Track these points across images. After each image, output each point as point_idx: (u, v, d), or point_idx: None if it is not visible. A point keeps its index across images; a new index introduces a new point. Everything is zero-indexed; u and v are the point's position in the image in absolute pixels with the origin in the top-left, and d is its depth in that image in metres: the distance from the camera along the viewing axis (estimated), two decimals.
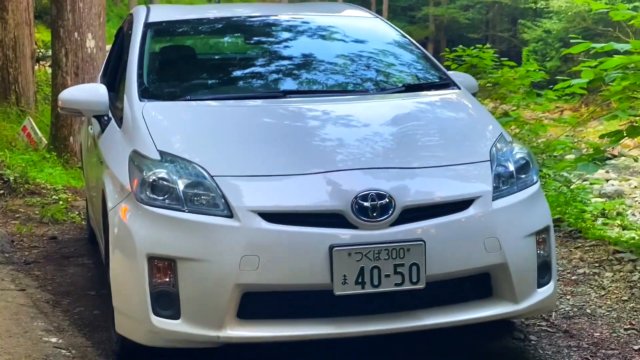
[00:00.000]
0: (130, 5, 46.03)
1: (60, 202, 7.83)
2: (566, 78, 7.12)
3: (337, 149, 3.92)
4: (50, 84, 19.81)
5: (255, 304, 3.53)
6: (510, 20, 47.25)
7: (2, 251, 6.11)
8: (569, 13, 33.94)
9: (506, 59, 10.32)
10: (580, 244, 5.96)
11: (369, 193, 3.55)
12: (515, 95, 9.92)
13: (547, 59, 33.50)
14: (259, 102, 4.46)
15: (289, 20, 5.43)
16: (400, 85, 4.80)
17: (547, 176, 8.61)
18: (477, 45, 10.51)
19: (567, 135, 11.95)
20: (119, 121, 4.37)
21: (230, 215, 3.52)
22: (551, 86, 8.96)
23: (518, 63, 10.43)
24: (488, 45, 11.17)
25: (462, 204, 3.70)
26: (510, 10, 46.67)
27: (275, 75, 4.93)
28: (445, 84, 4.76)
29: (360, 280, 3.48)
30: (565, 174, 8.99)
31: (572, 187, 8.80)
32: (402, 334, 3.72)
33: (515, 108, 10.15)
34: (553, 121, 12.06)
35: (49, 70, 20.91)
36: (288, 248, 3.48)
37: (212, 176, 3.63)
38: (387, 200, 3.55)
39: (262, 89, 4.77)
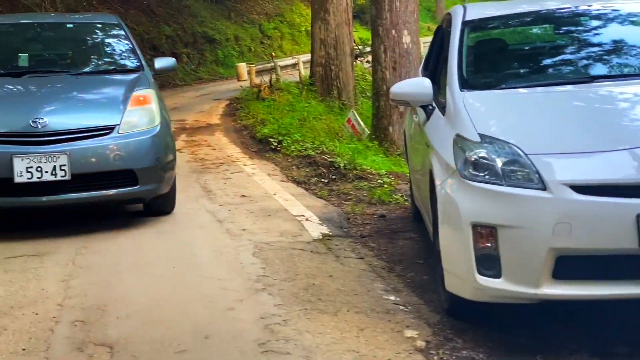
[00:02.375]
0: None
1: (385, 186, 8.66)
2: None
3: None
4: (365, 78, 21.21)
5: (568, 265, 3.98)
6: None
7: (341, 227, 7.05)
8: None
9: None
10: None
11: None
12: None
13: None
14: (568, 87, 4.91)
15: (599, 10, 5.76)
16: None
17: None
18: None
19: None
20: (442, 109, 5.02)
21: (544, 188, 4.02)
22: None
23: None
24: None
25: None
26: None
27: (584, 62, 5.34)
28: None
29: None
30: None
31: None
32: None
33: None
34: None
35: (365, 66, 22.33)
36: (597, 216, 3.91)
37: (526, 154, 4.15)
38: None
39: (571, 74, 5.21)
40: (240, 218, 7.33)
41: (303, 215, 7.39)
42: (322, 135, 12.40)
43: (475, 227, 4.13)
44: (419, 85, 5.42)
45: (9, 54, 8.25)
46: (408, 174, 7.81)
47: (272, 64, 24.52)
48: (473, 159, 4.27)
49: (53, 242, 6.50)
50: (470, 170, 4.26)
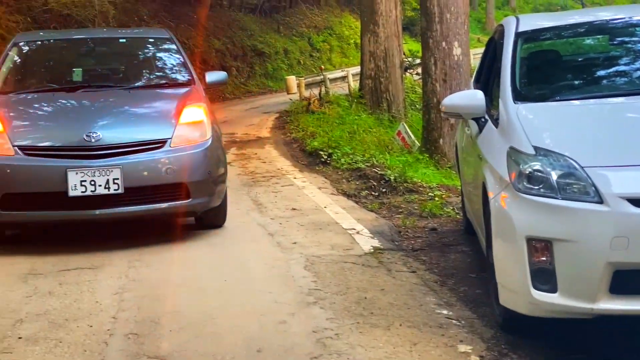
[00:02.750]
0: (489, 9, 46.84)
1: (436, 199, 8.61)
2: None
3: None
4: (415, 91, 21.16)
5: (626, 280, 3.90)
6: None
7: (392, 240, 7.01)
8: None
9: None
10: None
11: None
12: None
13: None
14: (623, 99, 4.83)
15: None
16: None
17: None
18: None
19: None
20: (495, 122, 4.97)
21: (600, 201, 3.95)
22: None
23: None
24: None
25: None
26: None
27: (639, 73, 5.25)
28: None
29: None
30: None
31: None
32: None
33: None
34: None
35: (414, 78, 22.29)
36: None
37: (582, 167, 4.08)
38: None
39: (626, 86, 5.14)
40: (291, 231, 7.34)
41: (354, 229, 7.38)
42: (372, 148, 12.39)
43: (530, 241, 4.08)
44: (471, 97, 5.38)
45: (63, 69, 8.39)
46: (459, 187, 7.76)
47: (322, 76, 24.61)
48: (527, 172, 4.22)
49: (106, 255, 6.56)
50: (525, 183, 4.21)
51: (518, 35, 5.47)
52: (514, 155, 4.39)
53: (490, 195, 4.56)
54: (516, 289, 4.19)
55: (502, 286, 4.36)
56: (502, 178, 4.43)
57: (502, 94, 5.00)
